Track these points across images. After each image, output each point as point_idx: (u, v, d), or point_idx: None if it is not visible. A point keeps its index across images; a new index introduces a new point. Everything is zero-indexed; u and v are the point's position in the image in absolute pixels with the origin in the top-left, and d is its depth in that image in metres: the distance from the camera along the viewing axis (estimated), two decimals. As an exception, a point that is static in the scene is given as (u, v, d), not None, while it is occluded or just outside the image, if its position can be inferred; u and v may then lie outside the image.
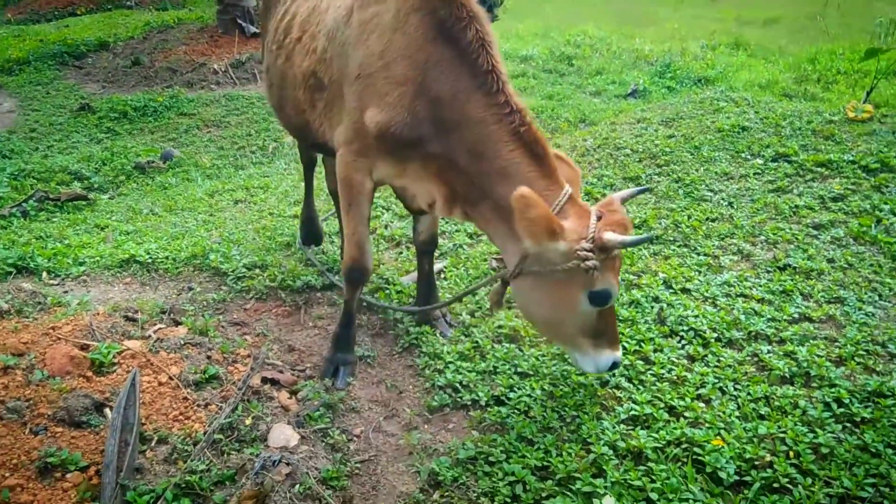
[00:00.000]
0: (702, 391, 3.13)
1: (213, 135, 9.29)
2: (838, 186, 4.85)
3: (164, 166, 8.00)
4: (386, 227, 5.16)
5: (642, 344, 3.48)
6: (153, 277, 4.49)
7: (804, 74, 9.30)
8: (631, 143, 5.93)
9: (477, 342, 3.61)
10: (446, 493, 2.68)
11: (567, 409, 3.07)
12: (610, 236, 2.63)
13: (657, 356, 3.39)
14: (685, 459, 2.72)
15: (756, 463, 2.68)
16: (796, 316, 3.67)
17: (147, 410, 2.88)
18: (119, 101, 10.08)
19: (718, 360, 3.34)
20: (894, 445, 2.74)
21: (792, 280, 3.97)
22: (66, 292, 4.14)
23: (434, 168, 2.94)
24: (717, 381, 3.19)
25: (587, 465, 2.74)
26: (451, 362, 3.45)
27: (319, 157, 4.70)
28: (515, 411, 3.09)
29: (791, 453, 2.73)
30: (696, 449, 2.75)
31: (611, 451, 2.79)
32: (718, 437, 2.81)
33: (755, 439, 2.80)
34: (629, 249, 4.26)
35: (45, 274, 4.43)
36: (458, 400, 3.22)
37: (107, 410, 2.83)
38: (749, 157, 5.41)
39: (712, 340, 3.49)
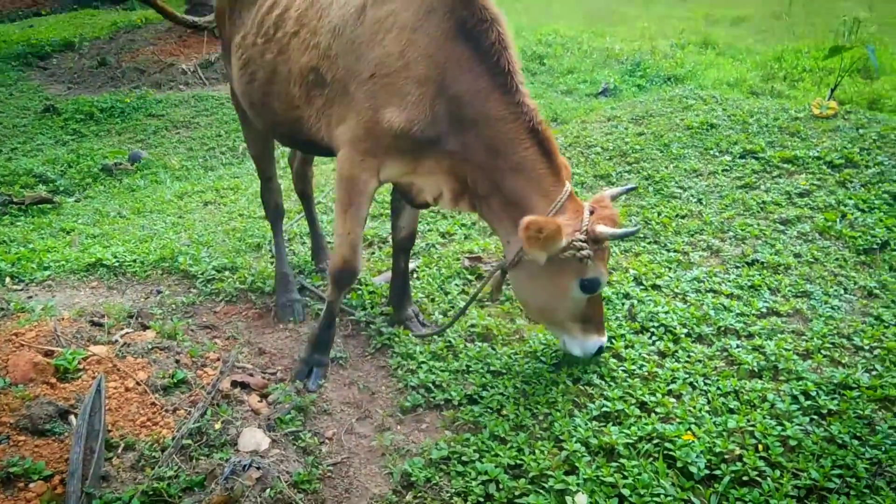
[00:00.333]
0: (672, 386, 3.15)
1: (182, 136, 9.18)
2: (804, 182, 4.92)
3: (132, 168, 7.89)
4: (358, 227, 5.13)
5: (613, 340, 3.50)
6: (120, 281, 4.42)
7: (771, 72, 9.43)
8: (601, 142, 5.96)
9: (450, 342, 3.60)
10: (419, 494, 2.67)
11: (540, 406, 3.08)
12: (602, 229, 2.88)
13: (628, 352, 3.41)
14: (656, 455, 2.73)
15: (726, 457, 2.71)
16: (764, 310, 3.72)
17: (113, 417, 2.82)
18: (85, 102, 9.91)
19: (689, 356, 3.37)
20: (860, 437, 2.79)
21: (760, 275, 4.02)
22: (30, 298, 4.06)
23: (447, 164, 3.03)
24: (687, 376, 3.22)
25: (560, 462, 2.74)
26: (423, 362, 3.43)
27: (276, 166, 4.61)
28: (488, 410, 3.09)
29: (760, 446, 2.76)
30: (667, 444, 2.77)
31: (583, 448, 2.80)
32: (689, 432, 2.83)
33: (725, 433, 2.83)
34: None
35: (8, 279, 4.34)
36: (431, 400, 3.21)
37: (71, 418, 2.77)
38: (717, 153, 5.47)
39: (682, 336, 3.52)
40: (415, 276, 4.33)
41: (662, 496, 2.53)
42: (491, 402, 3.12)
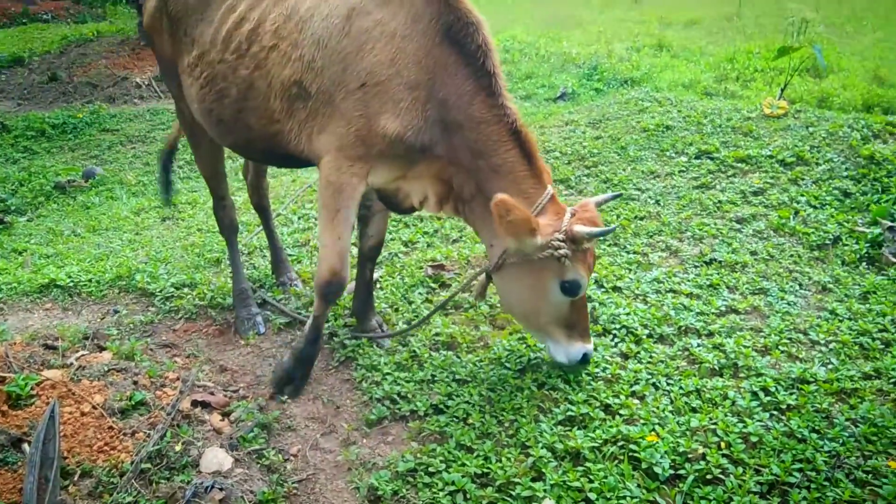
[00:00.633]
0: (636, 388, 3.17)
1: (139, 150, 9.02)
2: (758, 181, 5.02)
3: (87, 185, 7.71)
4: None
5: (577, 344, 3.51)
6: (76, 302, 4.32)
7: (724, 73, 9.61)
8: (560, 146, 6.01)
9: (414, 351, 3.58)
10: (386, 508, 2.65)
11: (505, 413, 3.07)
12: (579, 228, 2.93)
13: (592, 356, 3.42)
14: (622, 457, 2.75)
15: (690, 456, 2.73)
16: (723, 309, 3.77)
17: (69, 443, 2.74)
18: (36, 118, 9.67)
19: (651, 357, 3.40)
20: (818, 430, 2.84)
21: (718, 274, 4.09)
22: (-20, 322, 3.94)
23: (435, 167, 3.08)
24: (649, 376, 3.24)
25: (526, 469, 2.74)
26: (388, 373, 3.41)
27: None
28: (454, 419, 3.07)
29: (722, 444, 2.79)
30: (631, 446, 2.78)
31: (549, 454, 2.80)
32: (653, 433, 2.86)
33: (688, 432, 2.86)
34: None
35: (-44, 304, 4.20)
36: (397, 411, 3.18)
37: (25, 446, 2.68)
38: (673, 155, 5.55)
39: (644, 337, 3.55)
40: (377, 285, 4.30)
41: (629, 498, 2.55)
42: (457, 410, 3.11)
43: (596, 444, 2.81)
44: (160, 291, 4.29)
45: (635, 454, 2.74)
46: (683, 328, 3.61)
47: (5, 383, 3.00)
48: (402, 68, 2.90)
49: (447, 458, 2.82)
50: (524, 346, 3.55)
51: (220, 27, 3.37)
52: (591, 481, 2.63)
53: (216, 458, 2.76)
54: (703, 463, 2.69)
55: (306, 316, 3.92)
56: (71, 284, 4.43)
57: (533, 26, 13.98)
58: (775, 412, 2.99)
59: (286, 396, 3.28)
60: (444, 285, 4.30)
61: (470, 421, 3.04)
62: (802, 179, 4.98)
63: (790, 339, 3.49)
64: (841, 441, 2.77)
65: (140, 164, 8.56)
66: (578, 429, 2.94)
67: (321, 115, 3.09)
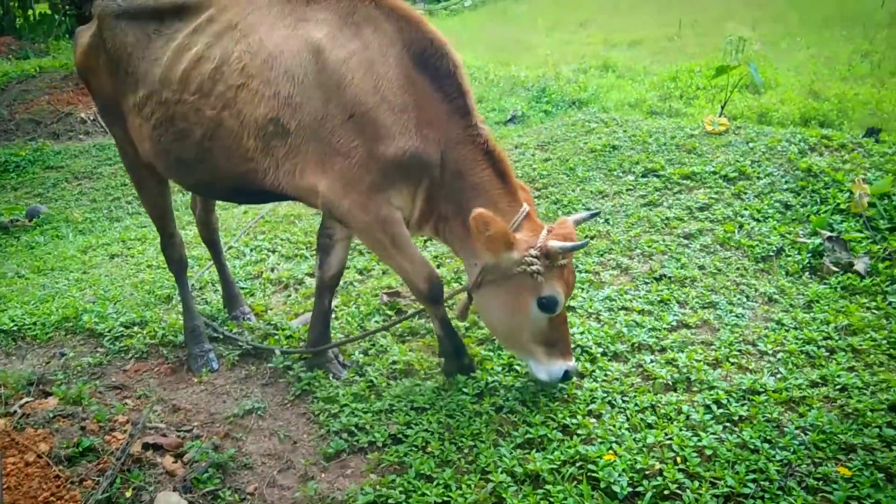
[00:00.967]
0: (592, 406, 3.20)
1: (85, 187, 8.83)
2: (703, 196, 5.15)
3: (31, 224, 7.52)
4: (272, 269, 5.04)
5: (533, 366, 3.53)
6: (20, 346, 4.19)
7: (668, 92, 9.86)
8: (511, 168, 6.07)
9: (372, 381, 3.56)
10: (346, 543, 2.60)
11: (465, 439, 3.06)
12: (553, 243, 3.01)
13: (548, 376, 3.45)
14: (580, 477, 2.76)
15: (647, 472, 2.76)
16: (674, 324, 3.84)
17: (12, 496, 2.64)
18: (-24, 157, 9.41)
19: (606, 375, 3.44)
20: (770, 440, 2.90)
21: (668, 289, 4.16)
22: (-84, 373, 3.78)
23: (426, 187, 3.16)
24: (605, 395, 3.28)
25: (486, 495, 2.73)
26: (346, 405, 3.37)
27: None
28: (413, 448, 3.05)
29: (678, 459, 2.83)
30: (590, 465, 2.80)
31: (509, 478, 2.80)
32: (610, 452, 2.88)
33: (645, 449, 2.89)
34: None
35: None
36: (355, 443, 3.15)
37: (-35, 501, 2.58)
38: (621, 174, 5.67)
39: (598, 355, 3.59)
40: (333, 315, 4.27)
41: (588, 519, 2.56)
42: (416, 439, 3.09)
43: (555, 466, 2.82)
44: (109, 331, 4.19)
45: (594, 474, 2.76)
46: (636, 345, 3.66)
47: (-56, 436, 2.89)
48: (387, 94, 2.99)
49: (407, 488, 2.80)
50: (482, 370, 3.55)
51: (172, 66, 3.29)
52: (550, 503, 2.64)
53: (169, 502, 2.68)
54: (660, 479, 2.71)
55: (264, 346, 3.89)
56: (14, 328, 4.30)
57: (481, 51, 14.18)
58: (728, 424, 3.04)
59: (469, 374, 3.45)
60: (401, 312, 4.29)
61: (429, 449, 3.02)
62: (745, 193, 5.12)
63: (740, 350, 3.57)
64: (792, 449, 2.84)
65: (87, 201, 8.38)
66: (537, 451, 2.95)
67: (304, 153, 3.10)
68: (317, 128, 3.05)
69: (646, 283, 4.28)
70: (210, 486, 2.85)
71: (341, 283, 4.66)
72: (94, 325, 4.27)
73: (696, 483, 2.69)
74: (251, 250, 5.43)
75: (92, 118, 10.78)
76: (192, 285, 4.49)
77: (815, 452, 2.83)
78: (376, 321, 4.16)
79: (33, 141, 10.22)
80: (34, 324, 4.35)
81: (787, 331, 3.70)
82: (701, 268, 4.39)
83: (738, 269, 4.38)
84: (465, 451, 3.01)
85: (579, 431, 3.03)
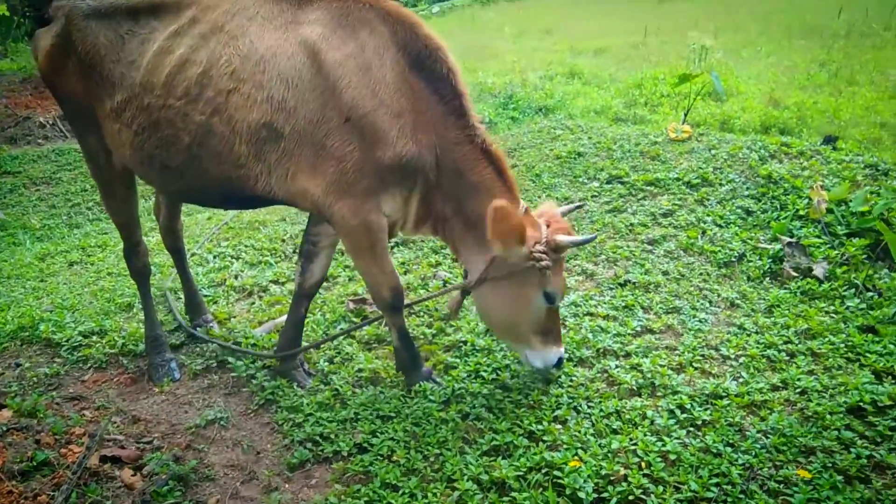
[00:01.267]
0: (558, 412, 3.21)
1: (43, 193, 8.62)
2: (666, 203, 5.21)
3: (-14, 231, 7.31)
4: (236, 276, 4.97)
5: (499, 372, 3.54)
6: (-28, 358, 4.05)
7: (633, 99, 9.98)
8: (478, 174, 6.07)
9: (337, 389, 3.52)
10: (310, 555, 2.57)
11: (431, 447, 3.05)
12: (562, 238, 3.10)
13: (514, 382, 3.46)
14: (546, 484, 2.76)
15: (612, 478, 2.77)
16: (639, 329, 3.87)
17: (-38, 513, 2.55)
18: (-71, 163, 9.14)
19: (571, 380, 3.45)
20: (732, 444, 2.94)
21: (632, 295, 4.20)
22: None
23: (422, 190, 3.17)
24: (570, 400, 3.29)
25: (452, 503, 2.72)
26: (310, 414, 3.34)
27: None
28: (379, 457, 3.02)
29: (643, 464, 2.84)
30: (555, 472, 2.80)
31: (475, 486, 2.79)
32: (576, 458, 2.89)
33: (610, 455, 2.90)
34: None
35: None
36: (320, 453, 3.11)
37: (-88, 520, 2.49)
38: (586, 181, 5.71)
39: (564, 360, 3.59)
40: (298, 323, 4.22)
41: (554, 526, 2.56)
42: (381, 448, 3.06)
43: (521, 473, 2.82)
44: (67, 341, 4.09)
45: (559, 480, 2.76)
46: (601, 350, 3.68)
47: None
48: (384, 98, 2.97)
49: (372, 498, 2.77)
50: (449, 377, 3.54)
51: (154, 70, 3.17)
52: (516, 511, 2.63)
53: (127, 517, 2.62)
54: (625, 484, 2.72)
55: (246, 346, 3.83)
56: (-33, 339, 4.17)
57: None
58: (692, 428, 3.07)
59: (441, 383, 3.48)
60: (367, 319, 4.25)
61: (395, 458, 3.00)
62: (708, 200, 5.20)
63: (703, 355, 3.61)
64: (754, 453, 2.87)
65: (45, 207, 8.19)
66: (503, 458, 2.94)
67: (297, 157, 3.06)
68: (311, 131, 3.00)
69: (611, 289, 4.31)
70: (170, 500, 2.79)
71: (307, 290, 4.62)
72: (51, 334, 4.17)
73: (661, 488, 2.71)
74: (214, 257, 5.34)
75: (51, 122, 10.54)
76: (153, 294, 4.40)
77: (776, 455, 2.87)
78: (342, 329, 4.12)
79: (-11, 145, 9.95)
80: (-12, 334, 4.23)
81: (748, 335, 3.75)
82: (665, 273, 4.44)
83: (701, 274, 4.44)
84: (431, 459, 2.99)
85: (545, 438, 3.04)
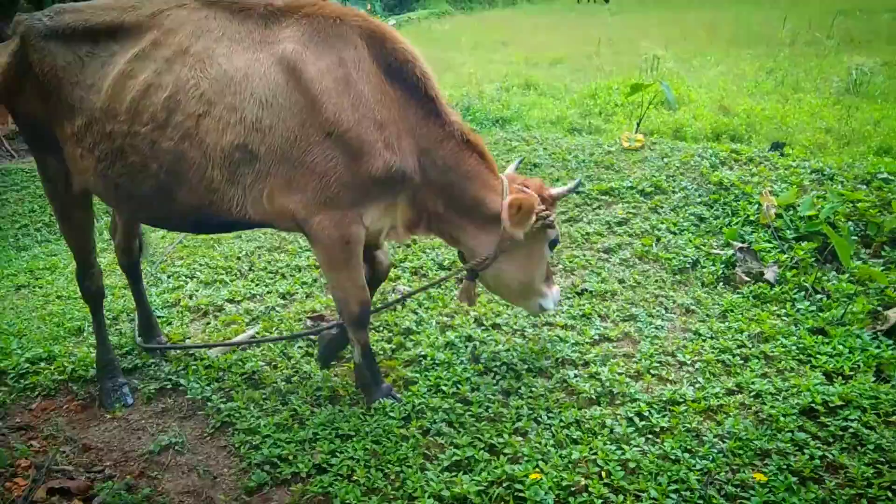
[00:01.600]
0: (518, 424, 3.21)
1: (-12, 214, 8.34)
2: (621, 211, 5.28)
3: (-72, 256, 7.04)
4: (191, 296, 4.87)
5: (459, 385, 3.52)
6: (-88, 389, 3.89)
7: (588, 109, 10.10)
8: (435, 187, 6.07)
9: (295, 409, 3.46)
10: (269, 582, 2.51)
11: (391, 465, 3.01)
12: (556, 190, 3.49)
13: (475, 395, 3.44)
14: (507, 498, 2.75)
15: (573, 489, 2.78)
16: (596, 337, 3.90)
17: None
18: None
19: (531, 391, 3.46)
20: (690, 449, 2.97)
21: (590, 303, 4.23)
22: None
23: (409, 196, 3.26)
24: (531, 412, 3.29)
25: (413, 521, 2.69)
26: (268, 435, 3.27)
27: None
28: (338, 478, 2.98)
29: (603, 473, 2.86)
30: (516, 485, 2.80)
31: (436, 503, 2.76)
32: (537, 470, 2.88)
33: (570, 465, 2.91)
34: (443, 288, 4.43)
35: None
36: (278, 475, 3.05)
37: None
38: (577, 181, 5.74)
39: (524, 372, 3.61)
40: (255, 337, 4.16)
41: (515, 540, 2.55)
42: (341, 468, 3.02)
43: (482, 488, 2.81)
44: (13, 368, 3.95)
45: (521, 493, 2.76)
46: (560, 360, 3.70)
47: None
48: (366, 110, 3.00)
49: (332, 519, 2.73)
50: (408, 393, 3.51)
51: (116, 95, 3.08)
52: (478, 527, 2.61)
53: (77, 551, 2.53)
54: (585, 495, 2.73)
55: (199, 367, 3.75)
56: None
57: (405, 70, 14.20)
58: (650, 436, 3.10)
59: (399, 399, 3.46)
60: (325, 336, 4.20)
61: (355, 477, 2.96)
62: (661, 208, 5.28)
63: (660, 362, 3.65)
64: (711, 458, 2.91)
65: (-9, 230, 7.92)
66: (464, 473, 2.93)
67: (272, 176, 3.03)
68: (288, 149, 2.98)
69: (568, 298, 4.34)
70: (122, 530, 2.71)
71: (263, 308, 4.56)
72: (-5, 362, 4.02)
73: (621, 497, 2.73)
74: (168, 277, 5.24)
75: (-4, 142, 10.25)
76: (106, 315, 4.28)
77: (732, 460, 2.91)
78: (300, 347, 4.07)
79: (-69, 167, 9.62)
80: (-71, 363, 4.06)
81: (703, 340, 3.81)
82: (621, 281, 4.48)
83: (656, 281, 4.50)
84: (392, 477, 2.96)
85: (506, 451, 3.03)
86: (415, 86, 3.13)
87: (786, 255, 4.53)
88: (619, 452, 2.95)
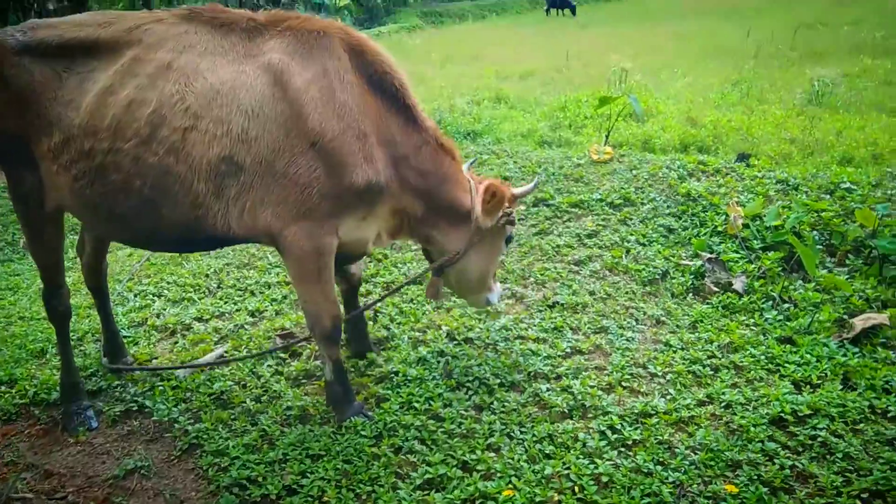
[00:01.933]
0: (491, 440, 3.19)
1: (-54, 234, 8.13)
2: (591, 224, 5.30)
3: None
4: (158, 315, 4.78)
5: (432, 402, 3.49)
6: None
7: (558, 122, 10.17)
8: (406, 201, 6.06)
9: (264, 430, 3.41)
10: None
11: (362, 485, 2.97)
12: (517, 190, 3.66)
13: (447, 411, 3.42)
14: (480, 516, 2.73)
15: (546, 505, 2.76)
16: (568, 350, 3.90)
17: None
18: None
19: (504, 406, 3.44)
20: (662, 462, 2.97)
21: (561, 316, 4.23)
22: None
23: (390, 203, 3.34)
24: (503, 427, 3.27)
25: (385, 542, 2.65)
26: (236, 457, 3.21)
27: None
28: (309, 499, 2.93)
29: (576, 488, 2.85)
30: (490, 502, 2.78)
31: (408, 523, 2.73)
32: (510, 486, 2.86)
33: (543, 480, 2.89)
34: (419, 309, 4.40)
35: None
36: (247, 498, 3.00)
37: None
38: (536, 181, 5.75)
39: (496, 387, 3.59)
40: (223, 357, 4.08)
41: (489, 559, 2.52)
42: (311, 489, 2.97)
43: (454, 506, 2.78)
44: (-28, 393, 3.84)
45: (493, 511, 2.73)
46: (533, 373, 3.69)
47: None
48: (350, 121, 3.06)
49: (302, 542, 2.68)
50: (379, 410, 3.47)
51: (96, 113, 3.04)
52: (450, 546, 2.58)
53: (36, 583, 2.45)
54: (558, 510, 2.72)
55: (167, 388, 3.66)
56: None
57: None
58: (623, 449, 3.09)
59: (370, 416, 3.44)
60: (295, 354, 4.16)
61: (326, 498, 2.92)
62: (630, 219, 5.32)
63: (631, 374, 3.65)
64: (683, 470, 2.92)
65: (-50, 250, 7.72)
66: (437, 491, 2.90)
67: (255, 188, 3.05)
68: (273, 160, 3.02)
69: (540, 311, 4.34)
70: (85, 560, 2.63)
71: (231, 326, 4.50)
72: (-46, 387, 3.91)
73: (594, 512, 2.71)
74: (135, 295, 5.14)
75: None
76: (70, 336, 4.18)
77: (704, 471, 2.92)
78: (269, 365, 4.01)
79: None
80: None
81: (674, 352, 3.83)
82: (592, 293, 4.50)
83: (626, 293, 4.51)
84: (364, 497, 2.92)
85: (479, 467, 3.01)
86: (394, 95, 3.23)
87: (753, 265, 4.59)
88: (591, 467, 2.95)
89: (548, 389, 3.54)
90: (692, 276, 4.59)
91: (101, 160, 3.07)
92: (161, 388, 3.83)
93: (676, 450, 3.04)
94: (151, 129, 2.99)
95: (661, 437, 3.12)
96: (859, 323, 3.83)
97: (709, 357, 3.75)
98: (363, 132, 3.10)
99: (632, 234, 5.11)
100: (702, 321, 4.13)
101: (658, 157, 6.31)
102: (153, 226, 3.19)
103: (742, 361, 3.68)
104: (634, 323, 4.16)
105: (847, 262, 4.59)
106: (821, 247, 4.66)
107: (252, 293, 4.97)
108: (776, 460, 2.94)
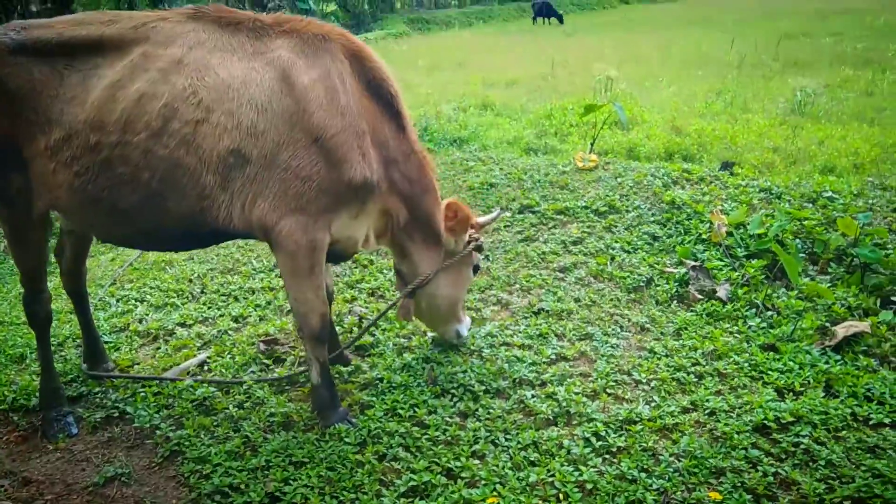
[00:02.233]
0: (476, 447, 3.17)
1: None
2: (576, 231, 5.32)
3: None
4: (140, 320, 4.73)
5: (416, 409, 3.48)
6: None
7: (543, 129, 10.23)
8: (392, 207, 6.05)
9: (247, 436, 3.37)
10: None
11: (346, 493, 2.95)
12: (482, 219, 3.86)
13: (431, 418, 3.40)
14: (465, 523, 2.71)
15: (530, 512, 2.75)
16: (553, 357, 3.90)
17: None
18: None
19: (489, 413, 3.43)
20: (646, 469, 2.97)
21: (546, 323, 4.24)
22: None
23: (380, 204, 3.43)
24: (488, 434, 3.26)
25: (369, 550, 2.63)
26: (218, 464, 3.18)
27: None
28: (292, 506, 2.90)
29: (561, 496, 2.84)
30: (473, 510, 2.76)
31: (392, 530, 2.71)
32: (494, 494, 2.85)
33: (528, 488, 2.89)
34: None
35: None
36: (229, 506, 2.96)
37: None
38: (499, 211, 5.76)
39: (481, 393, 3.58)
40: (205, 367, 4.05)
41: (473, 567, 2.51)
42: (294, 497, 2.95)
43: (439, 514, 2.76)
44: (-52, 400, 3.78)
45: (478, 519, 2.72)
46: (518, 380, 3.69)
47: None
48: (351, 120, 3.17)
49: (284, 550, 2.65)
50: (364, 417, 3.46)
51: (103, 107, 3.05)
52: (434, 554, 2.57)
53: (13, 593, 2.40)
54: (543, 518, 2.71)
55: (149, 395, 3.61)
56: None
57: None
58: (607, 456, 3.10)
59: (355, 424, 3.42)
60: (279, 360, 4.13)
61: (308, 506, 2.89)
62: (615, 227, 5.34)
63: (616, 381, 3.66)
64: (667, 477, 2.92)
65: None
66: (421, 499, 2.89)
67: (258, 181, 3.13)
68: (277, 153, 3.11)
69: (525, 318, 4.34)
70: (63, 569, 2.58)
71: (215, 332, 4.46)
72: (-70, 393, 3.84)
73: (579, 519, 2.71)
74: (117, 300, 5.09)
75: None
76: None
77: (688, 478, 2.92)
78: (252, 372, 3.97)
79: None
80: None
81: (659, 359, 3.84)
82: (577, 300, 4.50)
83: (611, 300, 4.53)
84: (347, 504, 2.90)
85: (463, 474, 3.00)
86: (389, 102, 3.35)
87: (737, 273, 4.62)
88: (576, 474, 2.94)
89: (533, 396, 3.53)
90: (676, 284, 4.61)
91: (107, 154, 3.10)
92: (142, 394, 3.78)
93: (660, 457, 3.05)
94: (163, 122, 3.05)
95: (646, 444, 3.13)
96: (841, 331, 3.86)
97: (693, 364, 3.76)
98: (362, 131, 3.21)
99: (617, 242, 5.13)
100: (686, 328, 4.15)
101: (643, 165, 6.35)
102: (156, 219, 3.23)
103: (726, 369, 3.70)
104: (619, 330, 4.18)
105: (829, 270, 4.63)
106: (803, 255, 4.70)
107: (236, 298, 4.94)
108: (759, 467, 2.95)
